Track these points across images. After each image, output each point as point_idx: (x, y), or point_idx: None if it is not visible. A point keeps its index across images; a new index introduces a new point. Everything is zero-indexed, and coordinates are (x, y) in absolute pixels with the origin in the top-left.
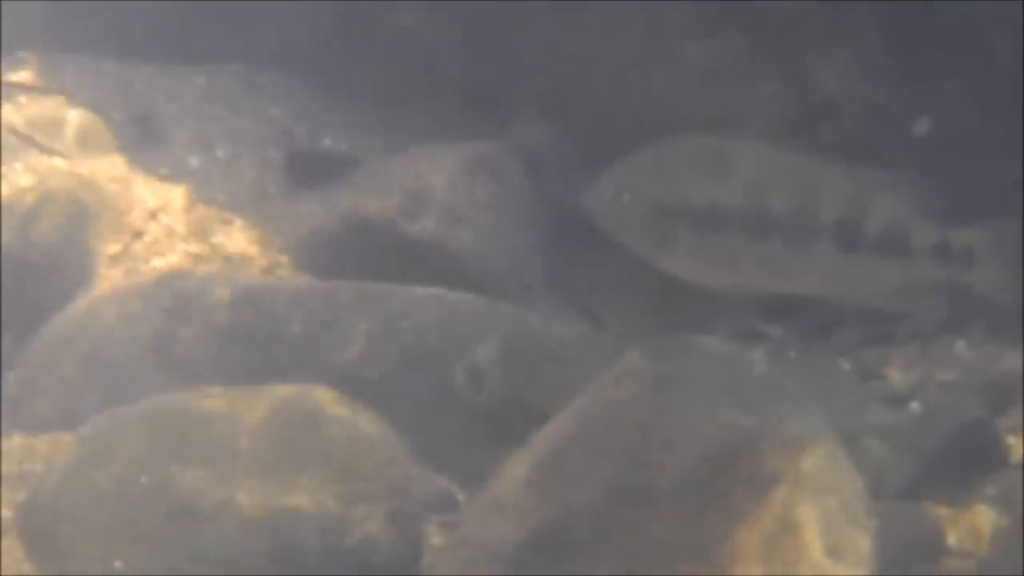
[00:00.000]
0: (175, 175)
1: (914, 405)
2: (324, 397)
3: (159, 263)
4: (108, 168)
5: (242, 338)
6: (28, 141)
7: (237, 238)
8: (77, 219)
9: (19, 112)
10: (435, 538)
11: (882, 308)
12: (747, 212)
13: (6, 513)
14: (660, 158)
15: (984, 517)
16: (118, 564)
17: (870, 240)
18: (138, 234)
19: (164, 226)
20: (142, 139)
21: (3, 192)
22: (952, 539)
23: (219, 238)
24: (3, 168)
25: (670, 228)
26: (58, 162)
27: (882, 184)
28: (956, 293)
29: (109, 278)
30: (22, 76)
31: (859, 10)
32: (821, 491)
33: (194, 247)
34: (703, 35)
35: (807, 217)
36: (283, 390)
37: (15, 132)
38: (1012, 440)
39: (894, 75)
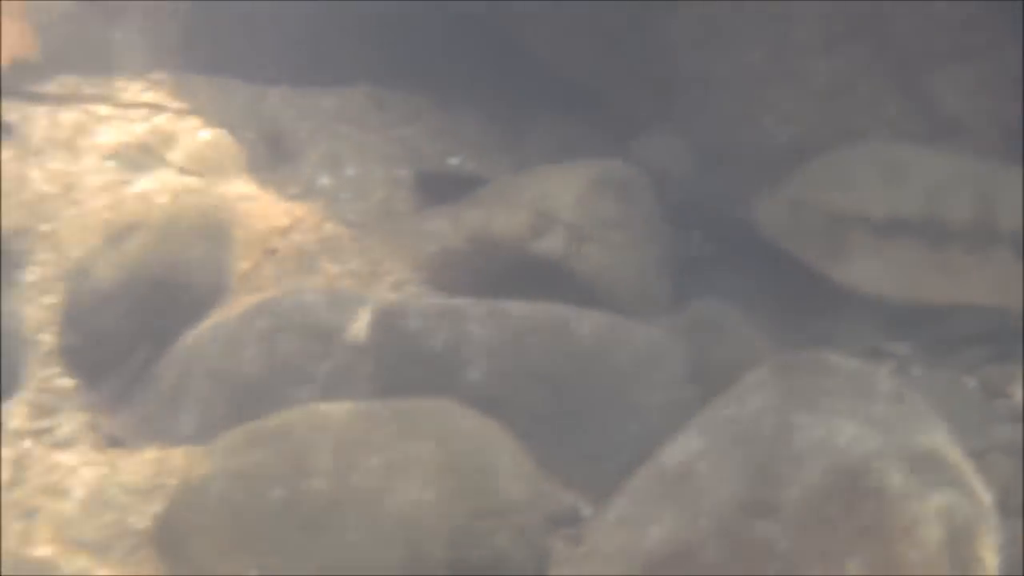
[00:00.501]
0: (305, 194)
1: None
2: (454, 411)
3: (290, 280)
4: (240, 187)
5: (373, 354)
6: (161, 158)
7: (367, 256)
8: (211, 237)
9: (151, 130)
10: (562, 552)
11: None
12: (925, 220)
13: (141, 525)
14: (835, 168)
15: None
16: (260, 567)
17: None
18: (270, 252)
19: (295, 244)
20: (273, 159)
21: (140, 209)
22: None
23: (349, 256)
24: (138, 186)
25: (846, 238)
26: (191, 180)
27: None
28: None
29: (242, 295)
30: (156, 96)
31: (988, 26)
32: (950, 505)
33: (325, 265)
34: (829, 52)
35: (986, 224)
36: (413, 405)
37: (150, 150)
38: None
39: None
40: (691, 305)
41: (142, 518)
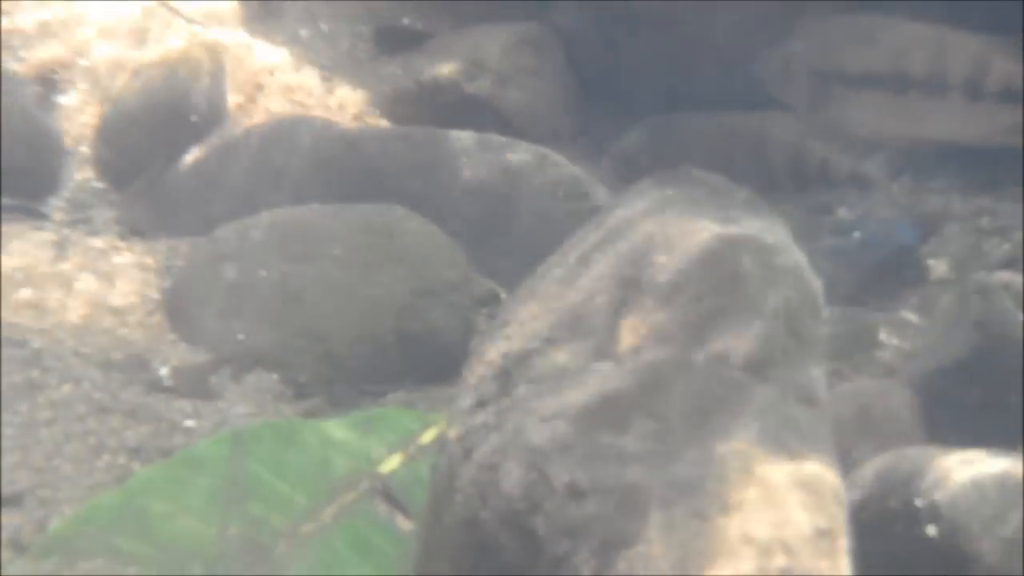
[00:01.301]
0: (288, 43)
1: (856, 234)
2: (401, 214)
3: (275, 110)
4: (237, 37)
5: (339, 168)
6: (174, 13)
7: (335, 93)
8: (212, 73)
9: None
10: (482, 325)
11: (998, 145)
12: (890, 73)
13: (156, 296)
14: (818, 33)
15: (907, 319)
16: (240, 336)
17: (990, 91)
18: (259, 87)
19: (279, 82)
20: (263, 15)
21: (158, 53)
22: (882, 336)
23: (321, 92)
24: (160, 33)
25: (827, 89)
26: (197, 31)
27: (1000, 45)
28: None
29: (237, 121)
30: None
31: None
32: (788, 285)
33: (302, 98)
34: None
35: (939, 75)
36: (368, 208)
37: (165, 6)
38: (932, 262)
39: None
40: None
41: (156, 291)
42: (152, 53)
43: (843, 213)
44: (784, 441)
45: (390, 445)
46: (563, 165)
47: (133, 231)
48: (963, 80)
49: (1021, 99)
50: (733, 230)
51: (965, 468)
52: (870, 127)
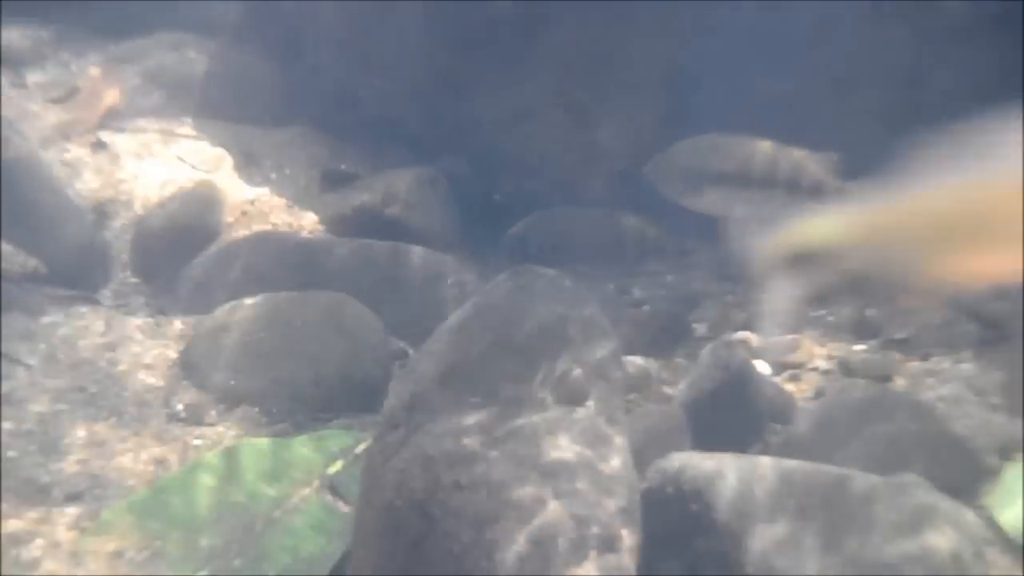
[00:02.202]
0: (263, 182)
1: (646, 307)
2: (343, 299)
3: (256, 227)
4: (228, 178)
5: (300, 265)
6: (185, 163)
7: (297, 216)
8: (211, 203)
9: (181, 149)
10: (397, 372)
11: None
12: (739, 174)
13: (174, 355)
14: (690, 146)
15: (679, 363)
16: (231, 383)
17: (803, 187)
18: (245, 212)
19: (258, 208)
20: (246, 163)
21: (175, 190)
22: (662, 375)
23: (287, 215)
24: (174, 176)
25: (695, 184)
26: (202, 174)
27: (813, 157)
28: None
29: (229, 235)
30: (184, 130)
31: None
32: (599, 345)
33: (274, 219)
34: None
35: (771, 176)
36: (321, 295)
37: (180, 159)
38: (695, 325)
39: None
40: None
41: (175, 352)
42: (170, 190)
43: (637, 293)
44: (596, 447)
45: (334, 455)
46: (443, 260)
47: (158, 312)
48: (786, 179)
49: (826, 193)
50: (561, 310)
51: (711, 463)
52: (723, 210)
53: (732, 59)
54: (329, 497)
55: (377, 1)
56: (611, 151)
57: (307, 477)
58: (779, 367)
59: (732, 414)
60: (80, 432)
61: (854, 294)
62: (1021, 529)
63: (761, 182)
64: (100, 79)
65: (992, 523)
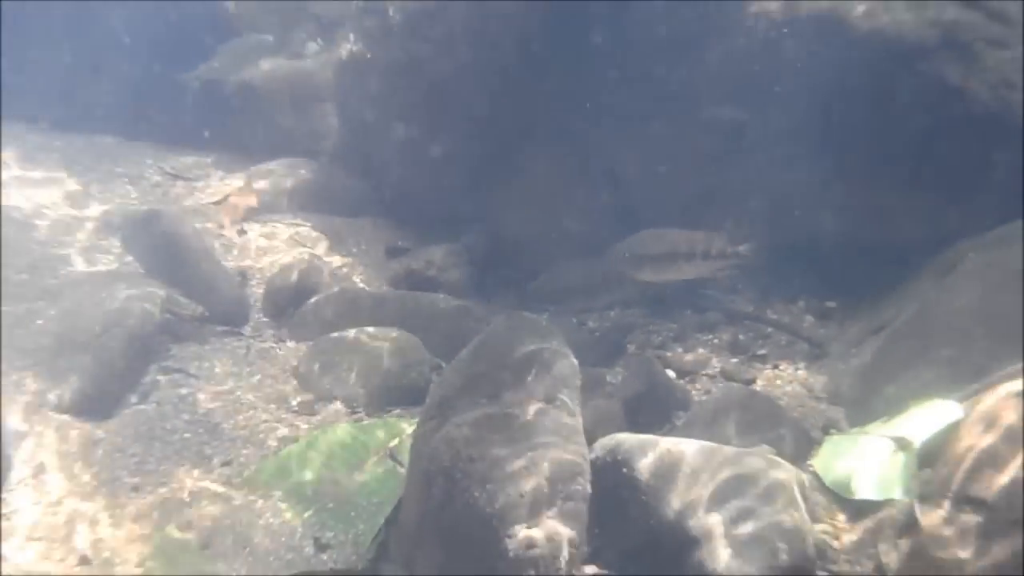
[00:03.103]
0: (346, 254)
1: (596, 333)
2: (399, 332)
3: (343, 286)
4: (324, 252)
5: (370, 309)
6: (298, 243)
7: (370, 276)
8: (314, 269)
9: (295, 233)
10: (434, 380)
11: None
12: (670, 252)
13: (291, 365)
14: (638, 238)
15: (617, 371)
16: (327, 386)
17: (712, 255)
18: (333, 274)
19: (344, 272)
20: (336, 243)
21: (290, 260)
22: (608, 379)
23: (364, 277)
24: (288, 253)
25: (640, 263)
26: (307, 248)
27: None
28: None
29: (325, 290)
30: (297, 221)
31: None
32: (563, 364)
33: (355, 279)
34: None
35: (690, 250)
36: (386, 330)
37: (295, 240)
38: (629, 346)
39: None
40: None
41: (292, 367)
42: (287, 260)
43: (590, 324)
44: (560, 434)
45: (394, 435)
46: (465, 304)
47: (281, 340)
48: (701, 252)
49: (728, 258)
50: (539, 345)
51: (637, 440)
52: (661, 276)
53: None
54: (391, 463)
55: (419, 147)
56: (575, 234)
57: (378, 449)
58: (682, 373)
59: (651, 406)
60: (230, 421)
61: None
62: (828, 476)
63: (685, 255)
64: (243, 188)
65: (815, 475)
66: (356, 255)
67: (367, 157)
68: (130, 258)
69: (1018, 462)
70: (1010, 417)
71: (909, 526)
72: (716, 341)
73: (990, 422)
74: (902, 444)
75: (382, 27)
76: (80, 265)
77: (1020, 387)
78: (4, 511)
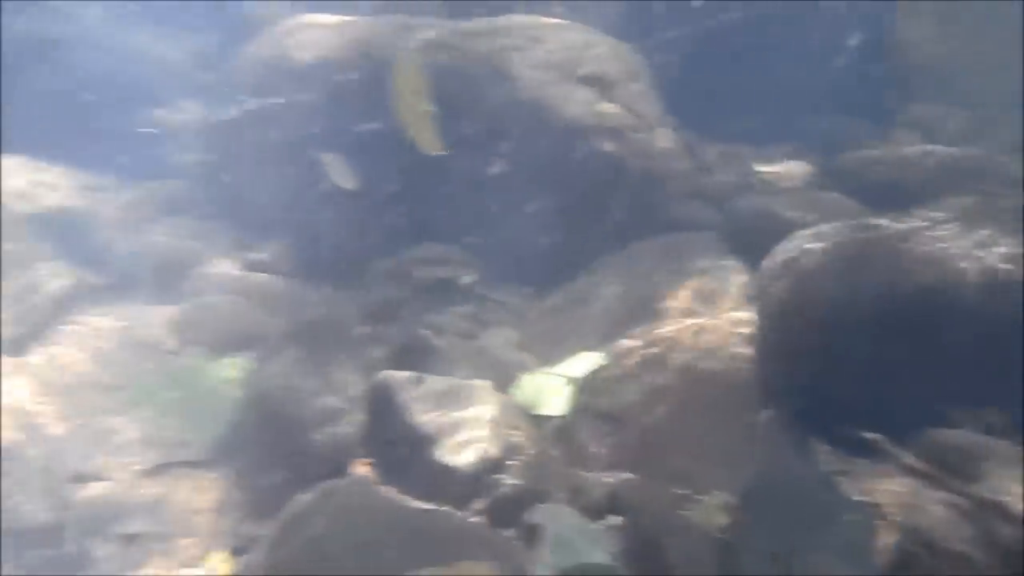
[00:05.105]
0: None
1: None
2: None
3: None
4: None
5: None
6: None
7: None
8: None
9: None
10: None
11: None
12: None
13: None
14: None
15: None
16: None
17: None
18: None
19: None
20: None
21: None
22: None
23: None
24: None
25: None
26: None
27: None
28: None
29: None
30: None
31: None
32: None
33: None
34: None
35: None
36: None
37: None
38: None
39: None
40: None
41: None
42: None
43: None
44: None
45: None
46: None
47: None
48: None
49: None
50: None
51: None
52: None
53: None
54: None
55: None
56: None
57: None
58: (437, 332)
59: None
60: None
61: None
62: (521, 399)
63: None
64: None
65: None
66: None
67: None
68: None
69: (636, 388)
70: (631, 360)
71: (568, 430)
72: (459, 311)
73: (618, 363)
74: (569, 379)
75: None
76: None
77: (639, 342)
78: None
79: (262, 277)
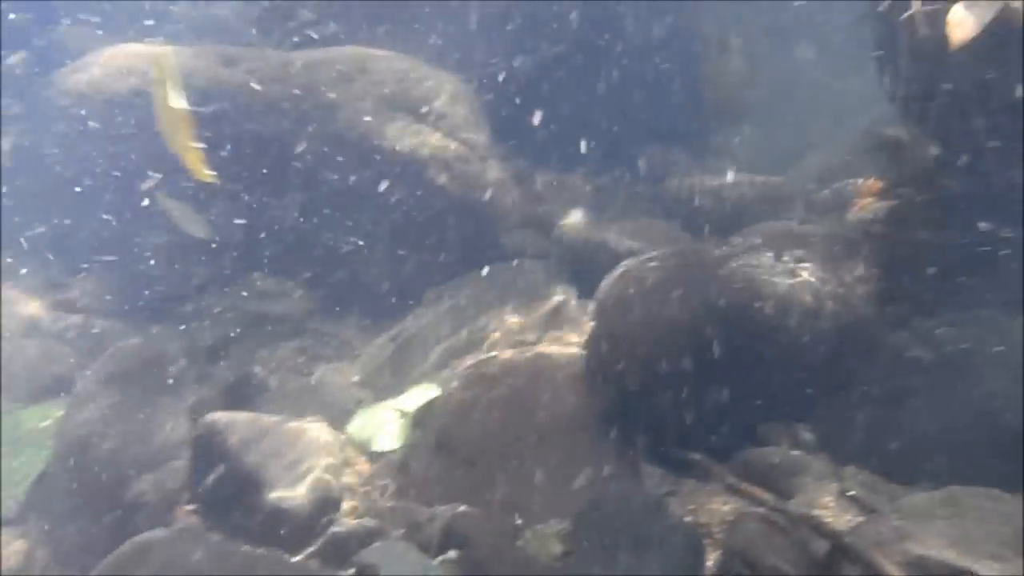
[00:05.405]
0: None
1: None
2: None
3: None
4: None
5: None
6: None
7: None
8: None
9: None
10: None
11: None
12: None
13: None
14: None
15: None
16: None
17: None
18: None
19: None
20: None
21: None
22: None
23: None
24: None
25: None
26: None
27: None
28: None
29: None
30: None
31: None
32: None
33: None
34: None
35: None
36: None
37: None
38: None
39: None
40: None
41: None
42: None
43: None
44: None
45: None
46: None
47: None
48: None
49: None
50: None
51: (229, 416)
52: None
53: None
54: None
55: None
56: None
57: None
58: (266, 367)
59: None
60: None
61: None
62: (356, 435)
63: None
64: None
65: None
66: None
67: None
68: None
69: (469, 417)
70: (466, 391)
71: (403, 464)
72: (291, 346)
73: (451, 394)
74: (402, 412)
75: None
76: None
77: (472, 371)
78: None
79: (76, 318)
